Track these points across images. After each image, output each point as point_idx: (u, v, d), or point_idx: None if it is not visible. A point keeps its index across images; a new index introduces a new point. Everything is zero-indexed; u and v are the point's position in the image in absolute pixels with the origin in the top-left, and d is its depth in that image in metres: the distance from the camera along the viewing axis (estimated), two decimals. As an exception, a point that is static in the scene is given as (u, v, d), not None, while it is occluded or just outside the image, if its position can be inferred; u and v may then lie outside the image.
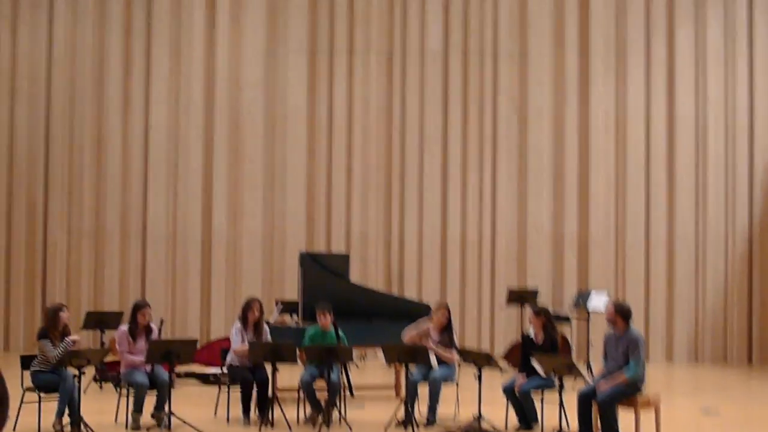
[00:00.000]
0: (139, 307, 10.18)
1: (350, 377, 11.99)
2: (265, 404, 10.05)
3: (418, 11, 16.69)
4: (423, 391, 10.23)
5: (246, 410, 10.08)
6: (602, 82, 16.64)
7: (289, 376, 11.53)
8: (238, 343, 10.30)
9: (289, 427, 9.74)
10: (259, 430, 9.70)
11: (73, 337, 9.77)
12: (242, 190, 16.51)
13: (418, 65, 16.64)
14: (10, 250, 16.27)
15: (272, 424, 9.82)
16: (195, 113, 16.54)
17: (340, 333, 10.57)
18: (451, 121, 16.62)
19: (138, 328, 10.05)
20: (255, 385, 10.12)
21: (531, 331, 10.26)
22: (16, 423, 9.14)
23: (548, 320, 10.18)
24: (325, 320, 10.55)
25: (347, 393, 11.55)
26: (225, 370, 10.55)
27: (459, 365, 10.58)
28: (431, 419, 10.07)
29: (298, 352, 10.02)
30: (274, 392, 10.00)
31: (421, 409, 10.18)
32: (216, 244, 16.44)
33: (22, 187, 16.31)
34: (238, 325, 10.47)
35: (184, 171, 16.49)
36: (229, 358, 10.44)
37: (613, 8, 16.69)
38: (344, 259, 13.25)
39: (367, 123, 16.62)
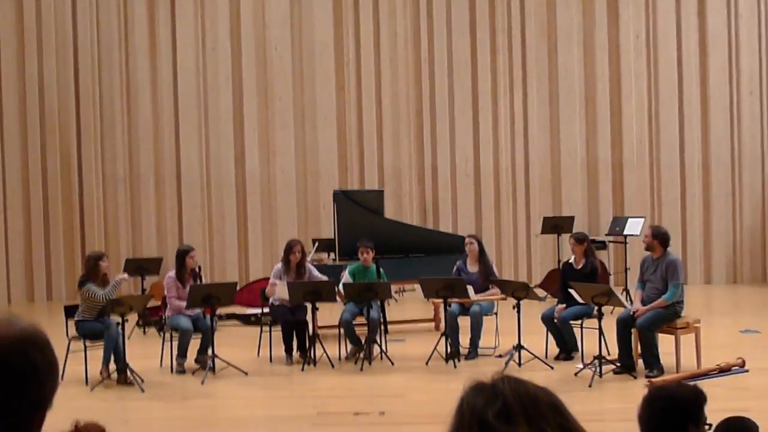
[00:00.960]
0: (186, 252, 10.30)
1: (386, 314, 12.06)
2: (305, 343, 10.16)
3: (441, -61, 16.46)
4: (461, 322, 10.30)
5: (288, 349, 10.20)
6: (632, 3, 16.36)
7: (329, 313, 11.61)
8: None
9: (332, 365, 9.85)
10: (302, 368, 9.82)
11: (123, 275, 10.00)
12: (273, 130, 16.51)
13: (443, -7, 16.46)
14: (47, 202, 16.40)
15: (315, 363, 9.94)
16: (222, 54, 16.50)
17: (381, 271, 10.64)
18: (480, 49, 16.45)
19: (186, 273, 10.16)
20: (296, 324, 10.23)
21: (572, 258, 10.28)
22: (63, 372, 9.27)
23: (589, 246, 10.21)
24: (367, 257, 10.63)
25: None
26: (267, 310, 10.67)
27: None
28: (472, 353, 10.16)
29: (336, 289, 10.12)
30: (314, 331, 10.10)
31: (461, 341, 10.26)
32: (250, 185, 16.48)
33: (55, 139, 16.39)
34: (278, 266, 10.55)
35: (214, 113, 16.50)
36: (272, 297, 10.55)
37: (640, -74, 16.38)
38: (378, 194, 13.28)
39: (395, 55, 16.50)
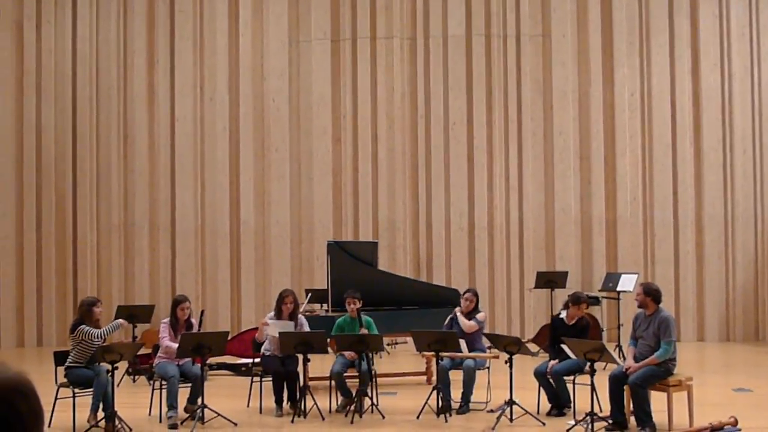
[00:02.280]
0: (177, 302, 10.26)
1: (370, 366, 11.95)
2: (296, 394, 10.10)
3: (439, -5, 16.66)
4: (453, 376, 10.26)
5: (278, 400, 10.14)
6: (626, 62, 16.53)
7: (320, 365, 11.57)
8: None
9: (322, 417, 9.78)
10: (292, 420, 9.75)
11: (122, 321, 10.08)
12: (269, 181, 16.57)
13: (440, 50, 16.61)
14: (40, 247, 16.41)
15: (305, 414, 9.87)
16: (220, 105, 16.61)
17: (363, 319, 10.58)
18: (476, 106, 16.58)
19: (178, 323, 10.12)
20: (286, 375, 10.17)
21: (563, 314, 10.27)
22: (51, 419, 9.24)
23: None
24: (354, 307, 10.60)
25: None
26: (258, 360, 10.62)
27: (489, 350, 10.64)
28: (464, 407, 10.09)
29: (328, 341, 10.07)
30: (305, 382, 10.05)
31: (452, 394, 10.21)
32: (244, 235, 16.51)
33: (51, 184, 16.44)
34: (270, 314, 10.53)
35: (210, 163, 16.57)
36: (263, 348, 10.51)
37: (635, -14, 16.58)
38: (372, 246, 13.25)
39: (392, 110, 16.61)
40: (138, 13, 16.64)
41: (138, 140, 16.61)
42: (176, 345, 9.65)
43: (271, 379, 10.25)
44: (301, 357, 9.99)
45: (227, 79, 16.67)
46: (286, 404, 10.17)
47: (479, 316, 10.73)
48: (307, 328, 10.56)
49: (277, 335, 10.09)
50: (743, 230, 16.37)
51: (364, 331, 10.39)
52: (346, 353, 10.35)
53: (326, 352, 10.21)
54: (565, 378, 9.80)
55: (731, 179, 16.40)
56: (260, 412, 10.25)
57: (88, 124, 16.53)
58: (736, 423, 8.97)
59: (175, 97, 16.64)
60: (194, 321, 10.39)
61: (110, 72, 16.62)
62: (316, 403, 9.87)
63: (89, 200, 16.49)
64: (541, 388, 10.02)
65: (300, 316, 10.67)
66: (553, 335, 10.19)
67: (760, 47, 16.45)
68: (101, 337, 9.49)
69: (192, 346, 9.43)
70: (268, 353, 10.38)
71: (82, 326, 9.53)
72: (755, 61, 16.46)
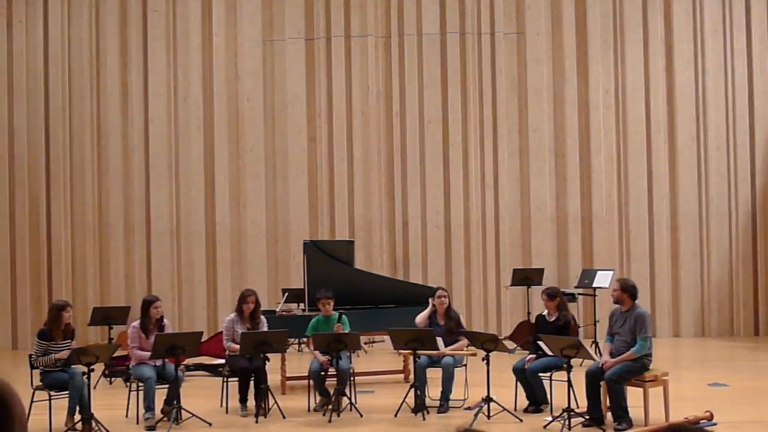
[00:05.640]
0: (150, 302, 10.16)
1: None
2: (259, 393, 9.98)
3: (413, -6, 16.66)
4: (430, 374, 10.25)
5: (243, 399, 10.09)
6: (600, 59, 16.58)
7: (298, 364, 11.52)
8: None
9: (283, 416, 9.70)
10: (256, 419, 9.64)
11: (62, 355, 9.55)
12: (244, 180, 16.52)
13: (415, 48, 16.61)
14: (14, 249, 16.29)
15: (265, 414, 9.77)
16: (194, 104, 16.54)
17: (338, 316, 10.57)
18: (451, 103, 16.59)
19: (150, 323, 10.04)
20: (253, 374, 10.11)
21: (545, 311, 10.29)
22: (28, 422, 9.15)
23: (562, 301, 10.22)
24: (328, 308, 10.56)
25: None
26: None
27: (467, 347, 10.63)
28: (444, 406, 10.06)
29: (306, 340, 10.02)
30: (265, 382, 9.92)
31: (430, 392, 10.20)
32: (220, 235, 16.45)
33: (24, 186, 16.33)
34: (232, 315, 10.48)
35: (185, 163, 16.50)
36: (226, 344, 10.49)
37: (609, -16, 16.63)
38: (348, 245, 13.23)
39: (366, 108, 16.60)
40: (110, 13, 16.55)
41: (111, 141, 16.52)
42: (146, 353, 9.62)
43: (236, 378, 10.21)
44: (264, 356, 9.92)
45: (201, 79, 16.60)
46: (251, 403, 10.09)
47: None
48: (265, 328, 10.49)
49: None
50: (718, 226, 16.46)
51: (340, 326, 10.36)
52: (320, 358, 10.30)
53: (285, 351, 10.10)
54: (541, 375, 9.82)
55: (705, 176, 16.48)
56: (226, 413, 10.18)
57: (61, 125, 16.42)
58: (711, 417, 9.03)
59: (148, 98, 16.55)
60: (167, 321, 10.30)
61: (83, 72, 16.52)
62: (276, 402, 9.79)
63: (63, 201, 16.39)
64: (519, 385, 10.02)
65: (262, 317, 10.60)
66: (536, 333, 10.19)
67: (733, 44, 16.55)
68: (40, 363, 9.44)
69: (166, 347, 9.38)
70: (233, 353, 10.31)
71: (38, 342, 9.46)
72: (728, 57, 16.56)
